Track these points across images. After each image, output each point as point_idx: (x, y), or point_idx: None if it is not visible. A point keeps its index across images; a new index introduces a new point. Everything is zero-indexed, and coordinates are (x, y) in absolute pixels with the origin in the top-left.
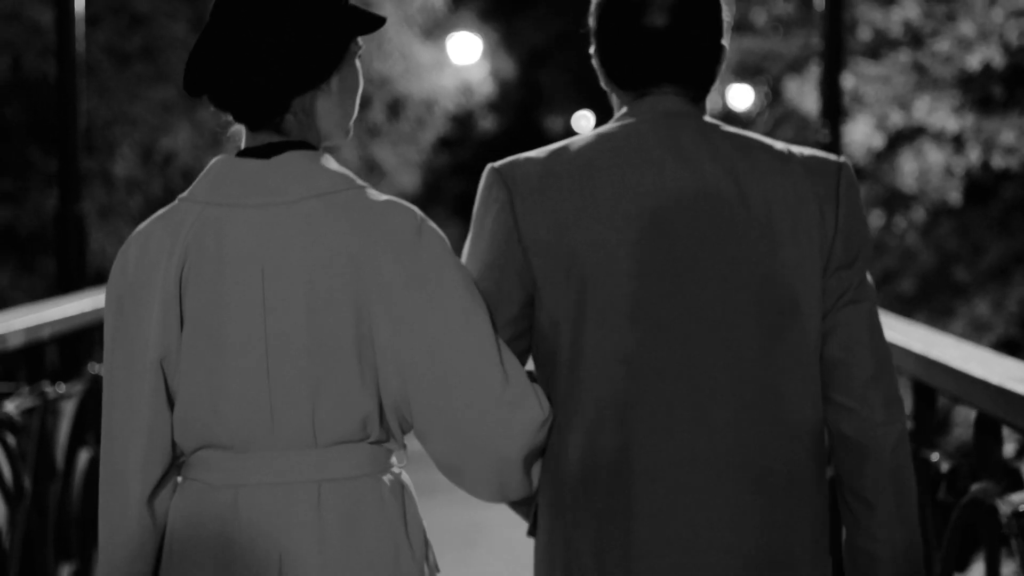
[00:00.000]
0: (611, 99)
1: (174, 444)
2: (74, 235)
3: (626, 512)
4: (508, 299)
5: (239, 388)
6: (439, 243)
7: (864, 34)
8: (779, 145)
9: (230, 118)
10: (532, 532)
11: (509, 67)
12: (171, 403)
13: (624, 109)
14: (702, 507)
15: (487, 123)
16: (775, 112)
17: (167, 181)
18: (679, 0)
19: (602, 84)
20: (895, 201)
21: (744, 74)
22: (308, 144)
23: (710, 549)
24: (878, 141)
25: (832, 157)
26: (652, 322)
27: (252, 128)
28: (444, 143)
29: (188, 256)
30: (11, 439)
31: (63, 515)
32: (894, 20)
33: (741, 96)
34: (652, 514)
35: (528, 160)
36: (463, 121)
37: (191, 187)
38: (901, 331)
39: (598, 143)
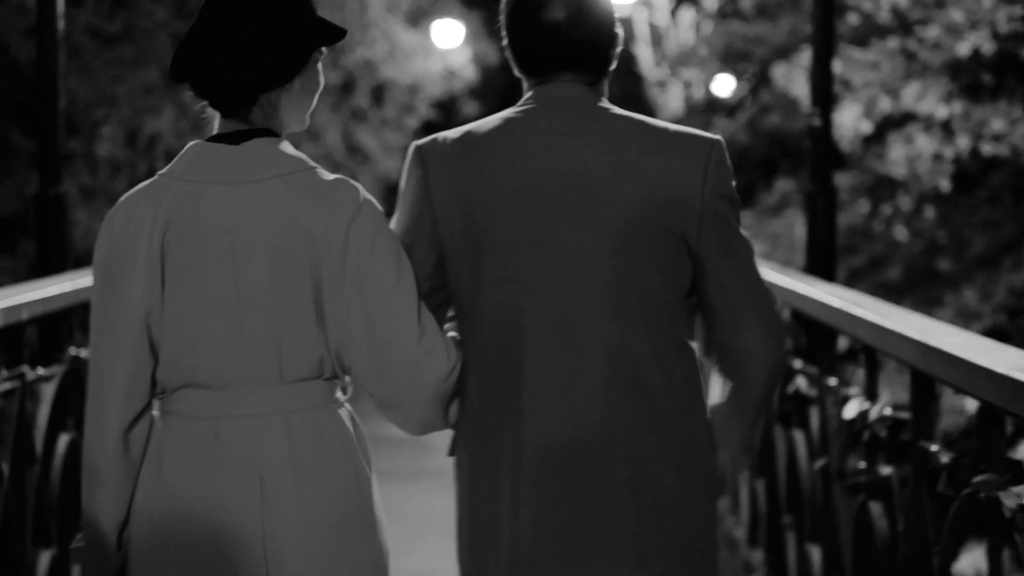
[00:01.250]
0: (522, 84)
1: (152, 385)
2: (54, 216)
3: (509, 431)
4: (423, 259)
5: (216, 335)
6: (376, 215)
7: (852, 20)
8: (659, 125)
9: (207, 105)
10: (452, 452)
11: (492, 52)
12: (153, 351)
13: (529, 94)
14: (580, 415)
15: (470, 109)
16: (760, 98)
17: (151, 162)
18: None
19: (515, 72)
20: (880, 188)
21: (730, 60)
22: (272, 132)
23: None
24: (866, 127)
25: (705, 135)
26: (533, 287)
27: (225, 116)
28: (427, 128)
29: (169, 225)
30: None
31: (42, 501)
32: (883, 6)
33: (724, 85)
34: (535, 414)
35: (443, 140)
36: (446, 107)
37: (170, 165)
38: (897, 319)
39: (500, 126)
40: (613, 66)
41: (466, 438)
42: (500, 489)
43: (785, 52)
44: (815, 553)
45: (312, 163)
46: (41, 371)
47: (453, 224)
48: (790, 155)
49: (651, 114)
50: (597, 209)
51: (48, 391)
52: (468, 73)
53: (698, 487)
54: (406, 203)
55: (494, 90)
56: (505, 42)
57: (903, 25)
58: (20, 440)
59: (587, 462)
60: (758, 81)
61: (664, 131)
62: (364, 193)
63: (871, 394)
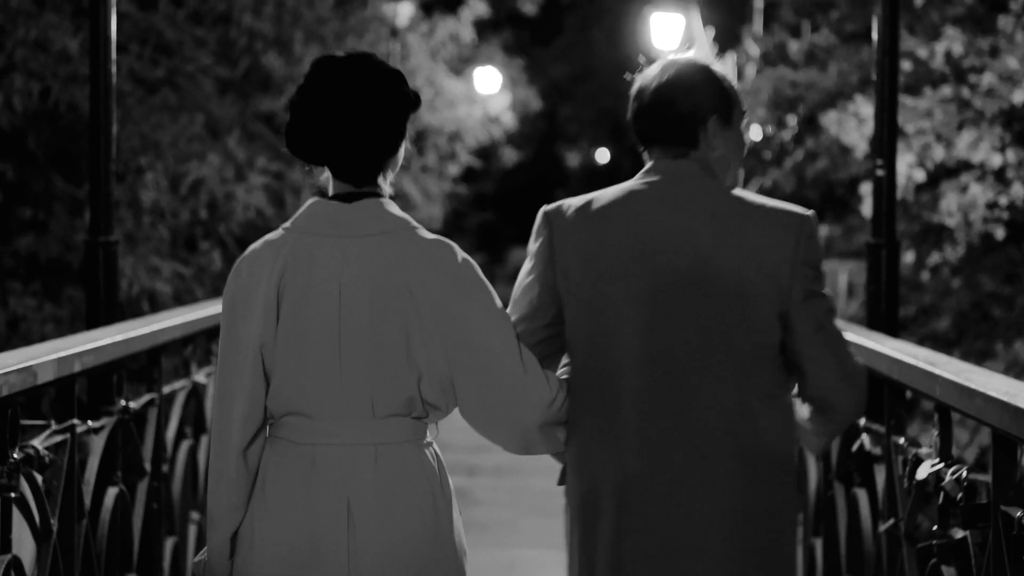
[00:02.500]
0: (643, 155)
1: (265, 409)
2: (104, 265)
3: (617, 465)
4: (544, 309)
5: (318, 371)
6: (473, 269)
7: (905, 67)
8: (758, 200)
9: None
10: (561, 482)
11: (532, 98)
12: (266, 380)
13: (648, 164)
14: (692, 494)
15: (509, 156)
16: (805, 145)
17: (194, 209)
18: (691, 81)
19: (639, 149)
20: (928, 237)
21: (778, 106)
22: (377, 193)
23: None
24: (920, 176)
25: (798, 211)
26: (640, 334)
27: (351, 182)
28: (467, 175)
29: (285, 271)
30: (38, 477)
31: (88, 556)
32: (937, 53)
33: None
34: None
35: (567, 206)
36: (485, 153)
37: (291, 220)
38: (979, 379)
39: (619, 197)
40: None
41: (575, 468)
42: (601, 516)
43: (833, 99)
44: None
45: (414, 223)
46: (91, 423)
47: (572, 281)
48: (835, 202)
49: None
50: (701, 275)
51: (98, 444)
52: (507, 119)
53: (782, 518)
54: (532, 257)
55: (530, 138)
56: (630, 120)
57: (957, 73)
58: (68, 494)
59: (687, 495)
60: (804, 128)
61: (762, 206)
62: (460, 252)
63: (945, 454)
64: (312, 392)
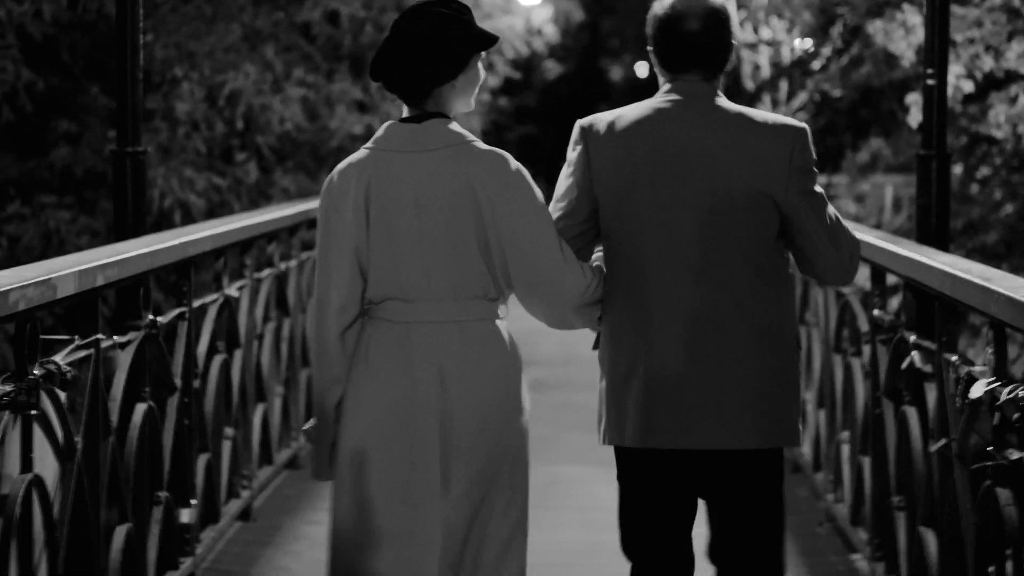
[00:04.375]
0: (658, 76)
1: (361, 300)
2: (132, 176)
3: (642, 336)
4: (581, 207)
5: (406, 264)
6: (522, 174)
7: None
8: (759, 115)
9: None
10: (595, 347)
11: (574, 10)
12: (362, 274)
13: (667, 87)
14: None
15: (551, 69)
16: (851, 52)
17: (231, 120)
18: (704, 14)
19: (655, 68)
20: (975, 150)
21: (824, 14)
22: (443, 114)
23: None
24: (968, 86)
25: (793, 124)
26: (662, 228)
27: (409, 104)
28: (508, 88)
29: (371, 182)
30: (61, 393)
31: (116, 474)
32: None
33: (803, 46)
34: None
35: (600, 120)
36: (527, 66)
37: (372, 139)
38: None
39: (644, 111)
40: (729, 66)
41: (607, 343)
42: (632, 380)
43: (880, 8)
44: (929, 538)
45: (471, 137)
46: (117, 338)
47: (605, 185)
48: (881, 116)
49: (736, 74)
50: (713, 179)
51: (124, 359)
52: (549, 31)
53: (779, 367)
54: (571, 166)
55: (573, 51)
56: (649, 47)
57: None
58: (94, 410)
59: (700, 361)
60: (849, 37)
61: (764, 121)
62: (513, 160)
63: (1001, 373)
64: (403, 281)
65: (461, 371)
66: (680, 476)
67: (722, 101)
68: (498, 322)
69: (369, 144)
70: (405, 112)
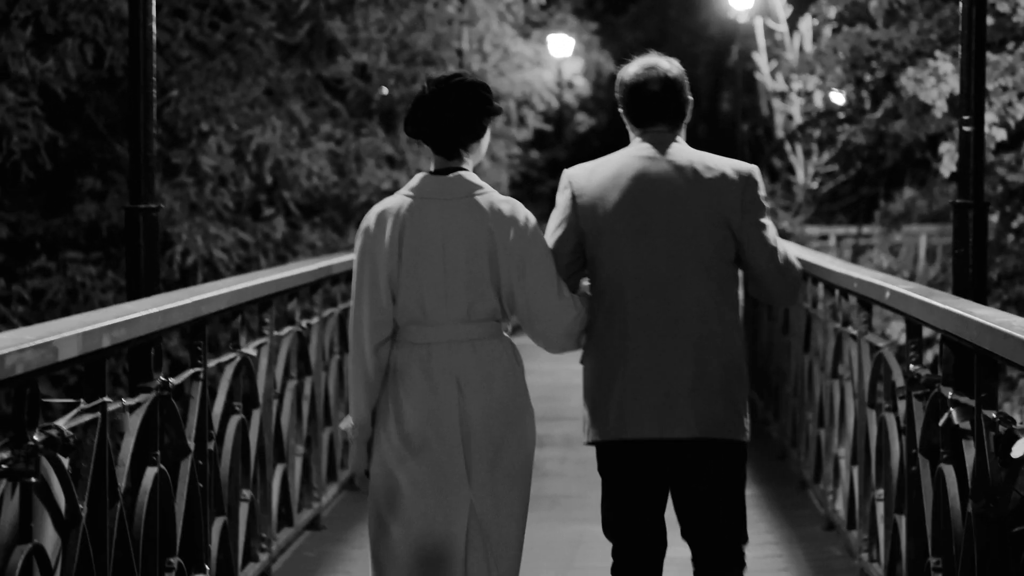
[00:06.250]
0: (629, 131)
1: (392, 323)
2: (145, 234)
3: (621, 347)
4: (568, 240)
5: (430, 293)
6: (532, 222)
7: (987, 21)
8: (714, 157)
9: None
10: (583, 362)
11: (605, 61)
12: (392, 299)
13: (638, 138)
14: (667, 356)
15: (583, 122)
16: (883, 105)
17: (259, 175)
18: (663, 80)
19: (626, 124)
20: (1012, 199)
21: (857, 67)
22: (465, 168)
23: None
24: (1001, 134)
25: (744, 165)
26: (637, 253)
27: (441, 156)
28: (540, 141)
29: (404, 224)
30: (64, 459)
31: (124, 541)
32: (1021, 5)
33: (838, 98)
34: (637, 353)
35: (584, 167)
36: (559, 119)
37: (406, 187)
38: None
39: (620, 158)
40: (687, 119)
41: (591, 354)
42: (613, 383)
43: (912, 58)
44: None
45: (490, 188)
46: (125, 401)
47: (588, 220)
48: (914, 164)
49: (768, 124)
50: (679, 210)
51: (133, 422)
52: (580, 84)
53: (734, 371)
54: (559, 207)
55: (604, 104)
56: (620, 108)
57: None
58: (100, 476)
59: (669, 366)
60: (882, 87)
61: (719, 162)
62: (523, 209)
63: None
64: (427, 306)
65: (475, 380)
66: (652, 463)
67: (684, 147)
68: (504, 337)
69: (405, 191)
70: (434, 164)
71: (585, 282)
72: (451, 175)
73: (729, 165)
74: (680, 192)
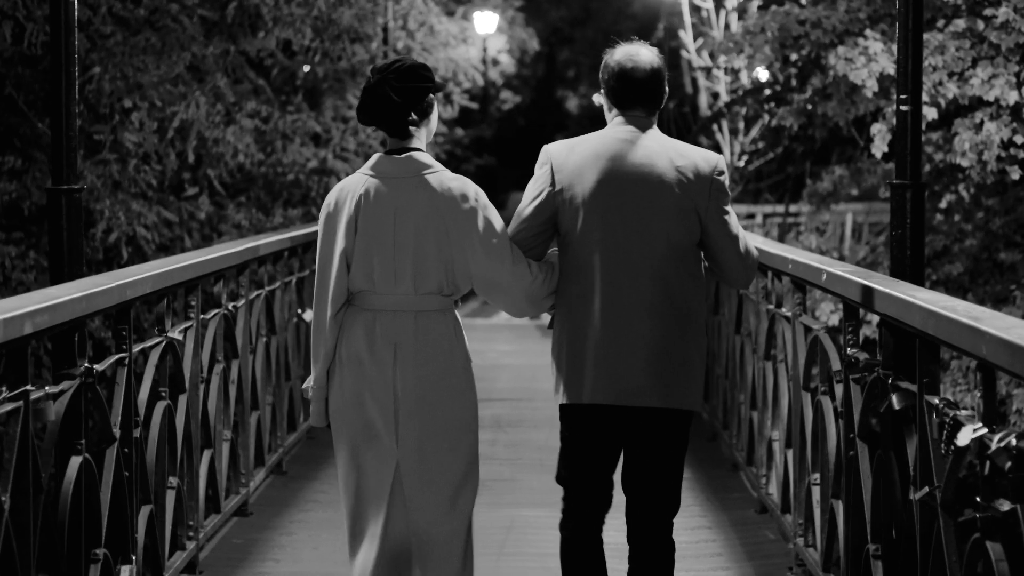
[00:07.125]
0: (607, 112)
1: (347, 290)
2: (68, 216)
3: (589, 316)
4: (543, 211)
5: (380, 265)
6: (482, 196)
7: None
8: (685, 146)
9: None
10: (550, 327)
11: (529, 38)
12: (348, 271)
13: (619, 119)
14: (628, 323)
15: (508, 99)
16: (812, 84)
17: (183, 152)
18: (648, 67)
19: (606, 106)
20: (939, 179)
21: (786, 46)
22: (417, 148)
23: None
24: (931, 114)
25: (712, 154)
26: (609, 231)
27: (392, 136)
28: (465, 119)
29: (361, 200)
30: None
31: (49, 529)
32: None
33: (761, 75)
34: (601, 322)
35: (564, 143)
36: (484, 98)
37: (364, 166)
38: None
39: (600, 139)
40: (663, 104)
41: (560, 323)
42: (584, 353)
43: (841, 37)
44: None
45: (440, 167)
46: (48, 389)
47: (566, 194)
48: (841, 142)
49: (694, 101)
50: (651, 192)
51: (56, 410)
52: (505, 60)
53: (694, 346)
54: (537, 180)
55: (529, 81)
56: (603, 88)
57: (971, 5)
58: (22, 467)
59: (634, 337)
60: (809, 66)
61: (692, 150)
62: (473, 185)
63: (990, 419)
64: (376, 278)
65: (411, 348)
66: (613, 427)
67: (659, 133)
68: (449, 311)
69: (363, 170)
70: (388, 144)
71: (553, 249)
72: (403, 155)
73: (699, 154)
74: (654, 175)
